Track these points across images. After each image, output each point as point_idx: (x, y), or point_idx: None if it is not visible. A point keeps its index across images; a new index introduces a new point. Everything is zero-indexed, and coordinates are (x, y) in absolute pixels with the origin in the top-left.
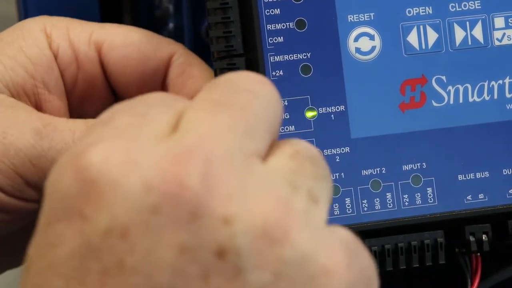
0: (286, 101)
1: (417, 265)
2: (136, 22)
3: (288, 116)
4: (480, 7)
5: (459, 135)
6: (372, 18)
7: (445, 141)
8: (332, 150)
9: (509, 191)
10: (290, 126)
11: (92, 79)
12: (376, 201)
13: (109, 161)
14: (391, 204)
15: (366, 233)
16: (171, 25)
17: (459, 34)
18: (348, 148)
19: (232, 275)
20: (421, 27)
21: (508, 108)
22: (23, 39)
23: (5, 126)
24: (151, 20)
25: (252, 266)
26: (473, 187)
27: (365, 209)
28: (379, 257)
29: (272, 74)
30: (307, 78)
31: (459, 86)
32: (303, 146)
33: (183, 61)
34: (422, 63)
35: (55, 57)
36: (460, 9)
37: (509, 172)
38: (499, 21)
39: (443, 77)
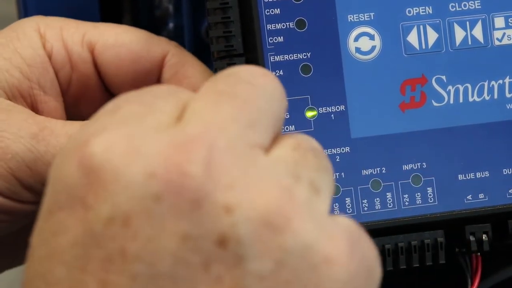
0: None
1: (417, 265)
2: (136, 22)
3: (288, 116)
4: (480, 7)
5: (459, 135)
6: (372, 18)
7: (445, 141)
8: (332, 150)
9: (509, 191)
10: (290, 126)
11: (86, 79)
12: (376, 201)
13: (112, 150)
14: (391, 204)
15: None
16: (171, 25)
17: (459, 34)
18: (348, 148)
19: (233, 264)
20: (421, 27)
21: (508, 108)
22: (18, 40)
23: (1, 129)
24: (151, 20)
25: (253, 255)
26: (473, 187)
27: (365, 209)
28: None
29: None
30: (307, 78)
31: (459, 86)
32: (305, 139)
33: (176, 61)
34: (422, 63)
35: (49, 57)
36: (460, 9)
37: (509, 172)
38: (499, 21)
39: (443, 77)
